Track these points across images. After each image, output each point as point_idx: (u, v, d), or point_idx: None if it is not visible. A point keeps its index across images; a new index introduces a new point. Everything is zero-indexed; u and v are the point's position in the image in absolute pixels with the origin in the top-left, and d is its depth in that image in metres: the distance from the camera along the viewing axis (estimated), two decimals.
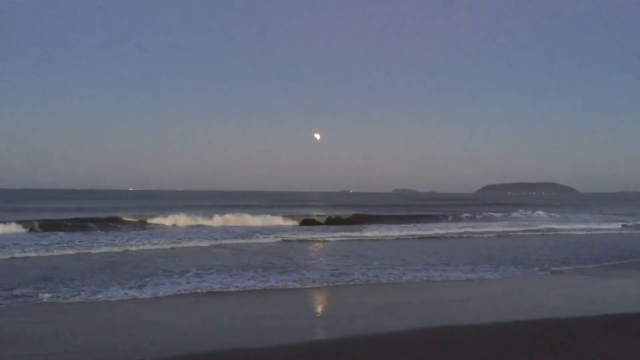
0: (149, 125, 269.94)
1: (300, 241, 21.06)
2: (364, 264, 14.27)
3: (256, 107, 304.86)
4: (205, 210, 37.35)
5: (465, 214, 39.96)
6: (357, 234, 23.88)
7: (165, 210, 36.40)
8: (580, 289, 11.67)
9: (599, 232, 27.97)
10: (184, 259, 14.81)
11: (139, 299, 9.49)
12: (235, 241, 20.11)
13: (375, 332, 6.96)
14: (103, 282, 10.80)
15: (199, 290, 10.25)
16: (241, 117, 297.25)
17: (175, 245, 18.26)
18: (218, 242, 19.53)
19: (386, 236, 23.52)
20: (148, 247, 17.57)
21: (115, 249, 16.78)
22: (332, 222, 32.99)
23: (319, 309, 9.44)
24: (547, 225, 31.33)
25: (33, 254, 15.28)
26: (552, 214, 42.54)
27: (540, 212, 42.57)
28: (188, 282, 11.00)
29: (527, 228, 29.19)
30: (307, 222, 31.80)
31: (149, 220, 28.96)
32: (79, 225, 25.60)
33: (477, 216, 39.69)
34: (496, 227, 29.42)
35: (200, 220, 29.27)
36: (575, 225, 31.71)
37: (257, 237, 21.65)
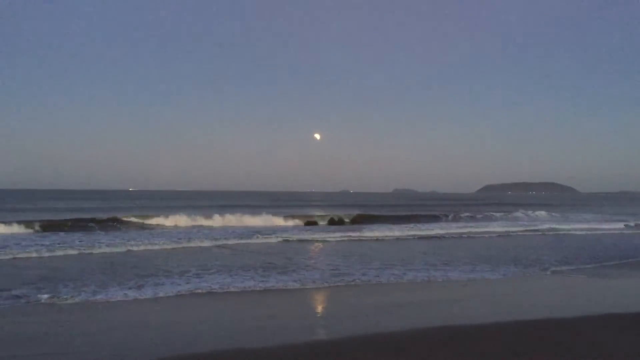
0: (149, 125, 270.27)
1: (301, 241, 21.06)
2: (364, 263, 14.27)
3: (256, 107, 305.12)
4: (205, 211, 37.37)
5: (465, 214, 39.95)
6: (357, 234, 23.87)
7: (165, 211, 36.45)
8: (580, 289, 11.65)
9: (600, 232, 27.89)
10: (184, 259, 14.81)
11: (139, 299, 9.49)
12: (235, 241, 20.11)
13: (375, 332, 6.96)
14: (103, 283, 10.81)
15: (199, 291, 10.24)
16: (241, 117, 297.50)
17: (175, 245, 18.27)
18: (218, 242, 19.53)
19: (386, 236, 23.51)
20: (148, 247, 17.58)
21: (116, 249, 16.79)
22: (335, 222, 32.99)
23: (319, 309, 9.44)
24: (548, 225, 31.28)
25: (34, 255, 15.30)
26: (553, 214, 42.51)
27: (542, 212, 42.52)
28: (188, 283, 11.00)
29: (528, 228, 29.17)
30: (311, 223, 31.76)
31: (149, 221, 28.97)
32: (80, 225, 25.61)
33: (478, 215, 39.71)
34: (497, 227, 29.40)
35: (200, 221, 29.27)
36: (577, 225, 31.64)
37: (257, 237, 21.65)
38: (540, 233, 26.90)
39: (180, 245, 18.29)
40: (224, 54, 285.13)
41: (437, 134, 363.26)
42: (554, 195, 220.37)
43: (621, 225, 32.23)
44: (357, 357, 5.86)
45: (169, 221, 28.78)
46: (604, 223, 33.61)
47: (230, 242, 19.93)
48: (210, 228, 26.41)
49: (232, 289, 10.51)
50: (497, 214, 40.57)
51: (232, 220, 30.17)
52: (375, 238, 22.72)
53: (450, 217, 37.94)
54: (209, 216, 30.43)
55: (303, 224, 31.01)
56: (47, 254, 15.47)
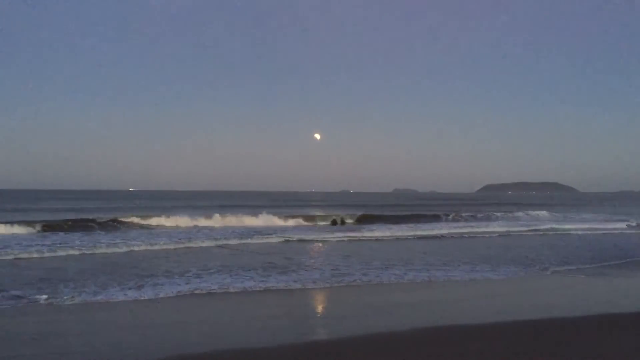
0: (149, 125, 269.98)
1: (301, 241, 21.07)
2: (365, 263, 14.27)
3: (256, 107, 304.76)
4: (206, 211, 37.38)
5: (466, 214, 39.95)
6: (357, 234, 23.89)
7: (165, 211, 36.45)
8: (581, 289, 11.66)
9: (603, 231, 27.80)
10: (185, 260, 14.82)
11: (139, 299, 9.49)
12: (236, 241, 20.12)
13: (376, 332, 6.96)
14: (104, 283, 10.82)
15: (199, 291, 10.25)
16: (241, 117, 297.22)
17: (175, 245, 18.28)
18: (218, 243, 19.54)
19: (387, 236, 23.52)
20: (148, 247, 17.59)
21: (116, 250, 16.81)
22: (337, 223, 32.96)
23: (319, 309, 9.45)
24: (548, 225, 31.28)
25: (35, 255, 15.31)
26: (554, 214, 42.49)
27: (542, 212, 42.49)
28: (188, 283, 11.01)
29: (529, 228, 29.15)
30: (312, 223, 31.75)
31: (150, 221, 28.96)
32: (80, 225, 25.60)
33: (479, 215, 39.72)
34: (497, 227, 29.38)
35: (201, 221, 29.25)
36: (578, 225, 31.56)
37: (258, 237, 21.65)
38: (540, 233, 26.89)
39: (180, 246, 18.30)
40: (224, 54, 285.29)
41: (437, 134, 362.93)
42: (554, 195, 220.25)
43: (623, 225, 32.14)
44: (357, 357, 5.86)
45: (169, 221, 28.77)
46: (605, 223, 33.55)
47: (231, 242, 19.94)
48: (211, 228, 26.40)
49: (232, 289, 10.51)
50: (498, 214, 40.57)
51: (232, 220, 30.17)
52: (375, 238, 22.72)
53: (450, 217, 37.94)
54: (209, 216, 30.42)
55: (303, 224, 31.01)
56: (48, 254, 15.48)
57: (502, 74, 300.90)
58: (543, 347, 6.18)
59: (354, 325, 7.57)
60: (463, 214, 39.50)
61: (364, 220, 34.88)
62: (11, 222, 24.00)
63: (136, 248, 17.22)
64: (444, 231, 26.29)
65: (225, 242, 19.83)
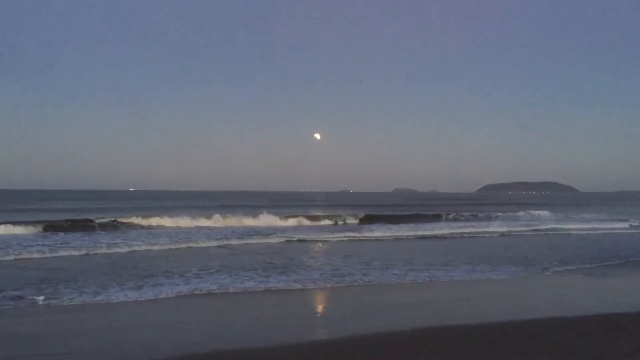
0: (149, 125, 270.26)
1: (301, 241, 21.07)
2: (365, 263, 14.27)
3: (256, 107, 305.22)
4: (206, 211, 37.40)
5: (466, 214, 39.95)
6: (357, 234, 23.88)
7: (165, 211, 36.46)
8: (581, 289, 11.66)
9: (605, 231, 27.72)
10: (185, 260, 14.83)
11: (139, 300, 9.50)
12: (236, 241, 20.12)
13: (376, 332, 6.97)
14: (104, 283, 10.82)
15: (199, 291, 10.26)
16: (241, 117, 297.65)
17: (175, 245, 18.28)
18: (218, 243, 19.54)
19: (387, 236, 23.51)
20: (149, 247, 17.60)
21: (117, 250, 16.82)
22: (342, 222, 32.98)
23: (319, 309, 9.45)
24: (549, 225, 31.25)
25: (36, 255, 15.32)
26: (554, 213, 42.47)
27: (543, 212, 42.46)
28: (188, 283, 11.01)
29: (530, 228, 29.13)
30: (313, 223, 31.76)
31: (150, 221, 28.94)
32: (80, 226, 25.62)
33: (480, 214, 39.69)
34: (497, 227, 29.33)
35: (201, 221, 29.26)
36: (579, 225, 31.54)
37: (258, 237, 21.65)
38: (541, 233, 26.87)
39: (180, 246, 18.31)
40: (224, 54, 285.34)
41: (437, 134, 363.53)
42: (555, 195, 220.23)
43: (625, 224, 32.11)
44: (357, 357, 5.87)
45: (169, 221, 28.76)
46: (605, 222, 33.52)
47: (231, 242, 19.94)
48: (211, 228, 26.39)
49: (232, 290, 10.51)
50: (498, 214, 40.56)
51: (232, 220, 30.16)
52: (375, 238, 22.72)
53: (450, 216, 37.94)
54: (209, 216, 30.41)
55: (303, 224, 31.00)
56: (48, 255, 15.49)
57: (502, 74, 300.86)
58: (543, 347, 6.18)
59: (354, 325, 7.57)
60: (463, 214, 39.49)
61: (364, 220, 34.87)
62: (12, 222, 24.00)
63: (136, 248, 17.24)
64: (444, 231, 26.27)
65: (225, 242, 19.84)
